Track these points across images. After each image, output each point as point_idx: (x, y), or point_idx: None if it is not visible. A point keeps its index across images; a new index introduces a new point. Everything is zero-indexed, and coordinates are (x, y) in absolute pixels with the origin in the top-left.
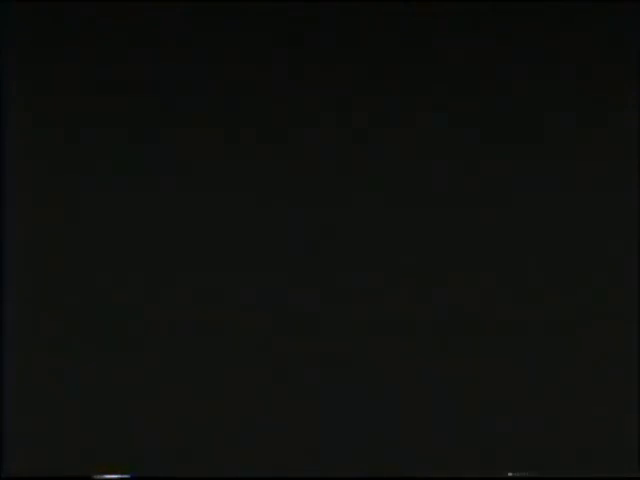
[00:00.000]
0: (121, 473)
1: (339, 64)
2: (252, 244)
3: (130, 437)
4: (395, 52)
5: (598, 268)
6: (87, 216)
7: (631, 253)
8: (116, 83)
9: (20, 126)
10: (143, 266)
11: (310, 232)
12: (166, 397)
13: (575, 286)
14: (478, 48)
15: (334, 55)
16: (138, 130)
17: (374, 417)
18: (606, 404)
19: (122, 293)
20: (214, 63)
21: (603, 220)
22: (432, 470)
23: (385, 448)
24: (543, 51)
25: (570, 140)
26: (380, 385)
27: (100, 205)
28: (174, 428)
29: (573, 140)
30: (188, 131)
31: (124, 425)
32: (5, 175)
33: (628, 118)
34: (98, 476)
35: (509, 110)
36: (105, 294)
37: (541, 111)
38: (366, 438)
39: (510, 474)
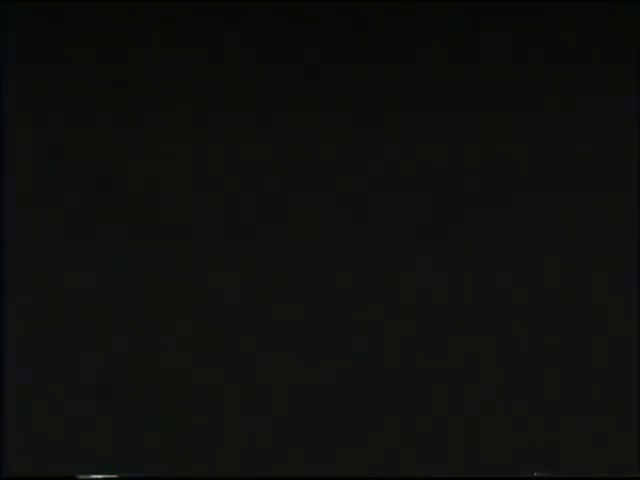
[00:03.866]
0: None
1: (340, 64)
2: (253, 244)
3: (131, 437)
4: (394, 52)
5: (598, 268)
6: (87, 216)
7: (631, 252)
8: (116, 83)
9: (20, 126)
10: (144, 267)
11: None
12: (167, 397)
13: (575, 285)
14: (477, 48)
15: (337, 55)
16: (138, 130)
17: (374, 417)
18: (606, 404)
19: (123, 294)
20: (214, 64)
21: (603, 220)
22: (432, 470)
23: (384, 448)
24: (543, 51)
25: (570, 140)
26: (381, 385)
27: (100, 205)
28: (174, 428)
29: (573, 140)
30: (188, 131)
31: (125, 425)
32: (5, 175)
33: (628, 118)
34: (84, 476)
35: (508, 110)
36: (106, 295)
37: (541, 111)
38: (366, 438)
39: (509, 474)
